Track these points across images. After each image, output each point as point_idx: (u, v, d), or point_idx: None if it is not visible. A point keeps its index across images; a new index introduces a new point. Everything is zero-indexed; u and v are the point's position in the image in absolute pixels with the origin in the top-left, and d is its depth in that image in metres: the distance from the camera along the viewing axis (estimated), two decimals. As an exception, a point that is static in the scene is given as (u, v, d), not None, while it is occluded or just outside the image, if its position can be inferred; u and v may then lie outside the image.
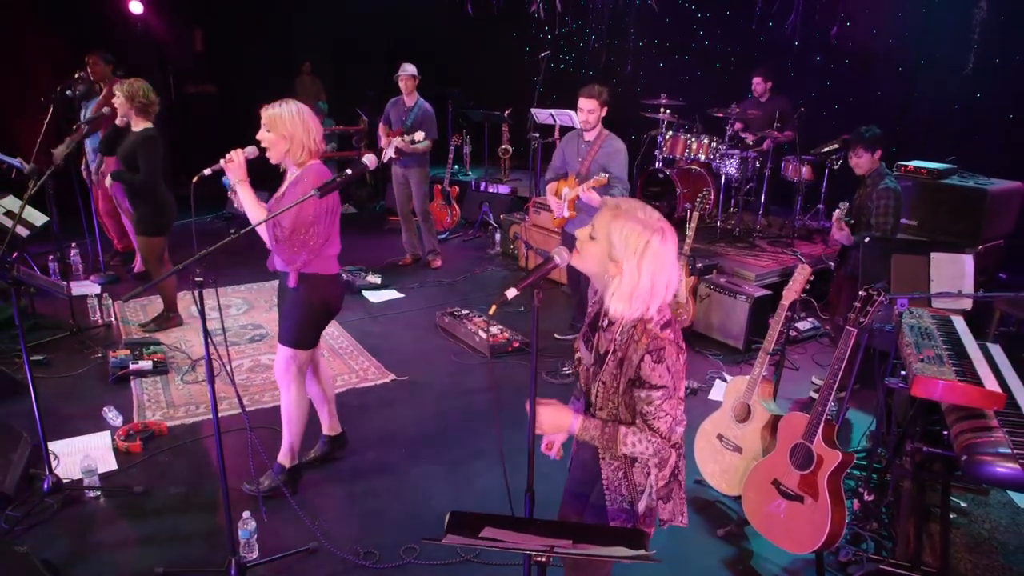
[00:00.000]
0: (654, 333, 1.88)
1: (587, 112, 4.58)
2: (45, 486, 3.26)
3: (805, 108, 6.89)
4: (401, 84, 6.25)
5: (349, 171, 2.45)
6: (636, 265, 1.83)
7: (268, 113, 2.99)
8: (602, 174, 4.46)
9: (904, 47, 6.89)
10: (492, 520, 1.93)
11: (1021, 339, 4.87)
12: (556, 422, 1.99)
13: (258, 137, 3.01)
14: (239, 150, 2.98)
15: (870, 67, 7.16)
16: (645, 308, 1.87)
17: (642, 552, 1.82)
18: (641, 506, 2.06)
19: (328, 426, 3.66)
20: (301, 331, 3.19)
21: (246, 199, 3.01)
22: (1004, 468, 2.37)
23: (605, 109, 4.62)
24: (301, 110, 3.01)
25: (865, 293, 2.80)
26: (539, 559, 1.74)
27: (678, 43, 8.80)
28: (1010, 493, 3.56)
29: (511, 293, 1.81)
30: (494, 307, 1.86)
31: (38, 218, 5.09)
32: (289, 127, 2.96)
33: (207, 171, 2.94)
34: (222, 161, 2.95)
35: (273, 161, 3.07)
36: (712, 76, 8.41)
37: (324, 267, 3.13)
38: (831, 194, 6.45)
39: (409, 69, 6.23)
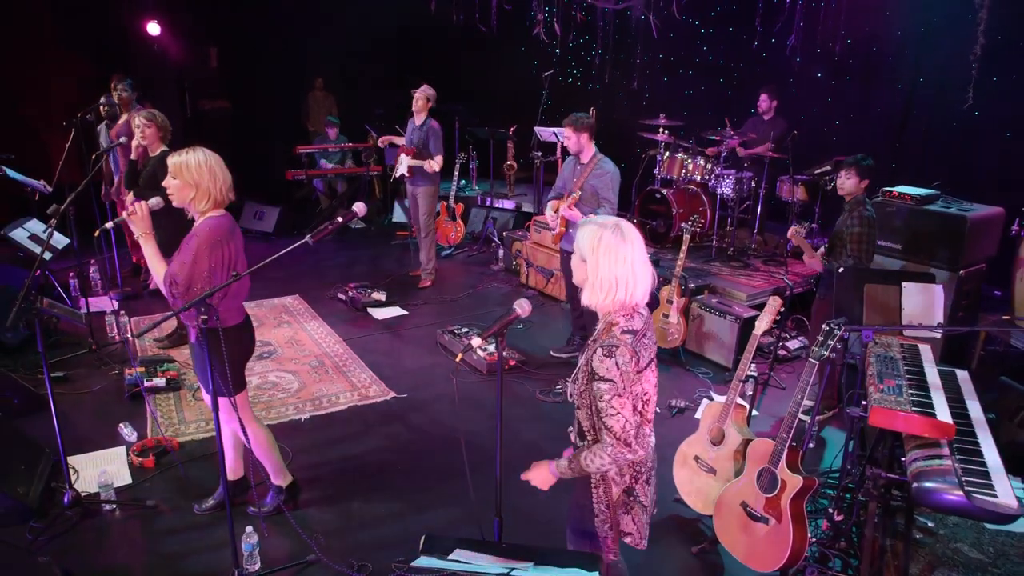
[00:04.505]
0: (613, 334, 2.13)
1: (565, 138, 4.97)
2: (65, 499, 3.51)
3: (807, 123, 7.03)
4: (413, 102, 6.47)
5: (339, 218, 2.66)
6: (596, 258, 2.13)
7: (174, 161, 3.00)
8: (576, 192, 4.82)
9: (903, 65, 7.03)
10: (463, 543, 2.14)
11: (1007, 358, 5.02)
12: (542, 476, 2.32)
13: (163, 183, 3.05)
14: (143, 202, 3.01)
15: (870, 84, 7.30)
16: (611, 299, 2.13)
17: (595, 573, 2.03)
18: (598, 497, 2.30)
19: (231, 470, 3.58)
20: (214, 381, 3.10)
21: (149, 254, 3.04)
22: (951, 496, 2.52)
23: (584, 135, 4.88)
24: (208, 158, 3.02)
25: (827, 327, 2.97)
26: (499, 581, 1.94)
27: (682, 58, 8.99)
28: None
29: (476, 342, 2.02)
30: (460, 356, 2.07)
31: (59, 240, 5.37)
32: (195, 175, 2.98)
33: (109, 224, 3.12)
34: (124, 214, 3.00)
35: (175, 205, 3.10)
36: (715, 91, 8.58)
37: (225, 319, 3.09)
38: (825, 214, 6.59)
39: (426, 91, 6.46)
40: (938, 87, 6.75)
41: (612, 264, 2.11)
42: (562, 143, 7.80)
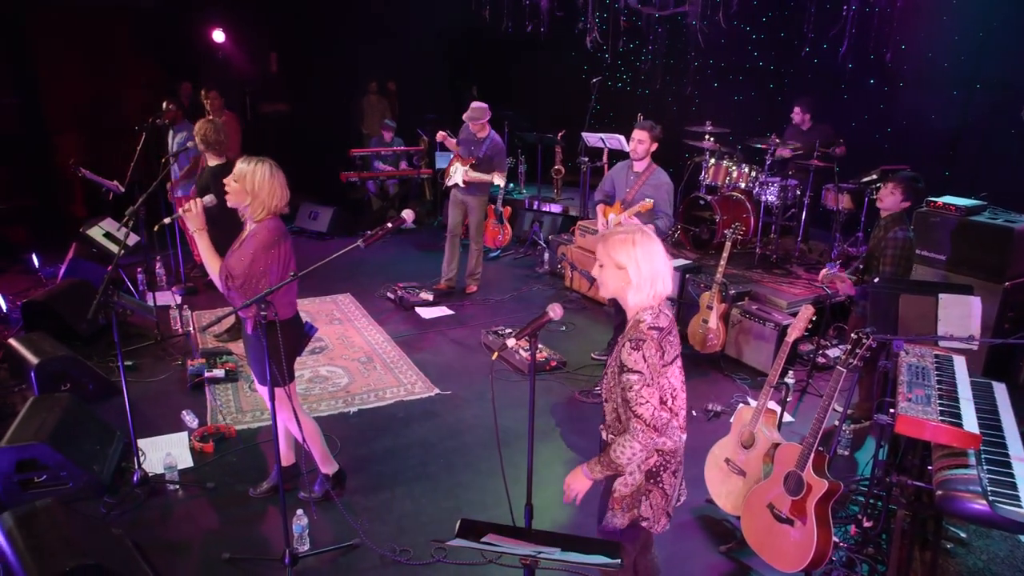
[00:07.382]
0: (640, 329, 2.32)
1: (637, 142, 4.95)
2: (135, 478, 3.81)
3: (857, 131, 6.94)
4: (472, 128, 6.50)
5: (390, 224, 2.85)
6: (636, 261, 2.33)
7: (240, 168, 3.18)
8: (647, 199, 4.79)
9: (960, 71, 6.91)
10: (495, 528, 2.31)
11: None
12: (578, 483, 2.49)
13: (224, 181, 3.25)
14: (197, 199, 3.21)
15: (924, 91, 7.20)
16: (653, 293, 2.35)
17: (617, 561, 2.16)
18: (622, 488, 2.43)
19: (283, 456, 3.74)
20: (270, 371, 3.16)
21: (203, 249, 3.23)
22: (975, 505, 2.55)
23: (655, 144, 4.96)
24: (273, 175, 3.19)
25: (856, 336, 3.04)
26: (526, 562, 2.10)
27: (733, 64, 8.97)
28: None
29: (511, 343, 2.18)
30: (496, 353, 2.23)
31: (131, 238, 5.74)
32: (257, 185, 3.16)
33: (167, 220, 3.40)
34: (180, 211, 3.22)
35: (229, 205, 3.28)
36: (765, 97, 8.55)
37: (280, 313, 3.21)
38: (870, 223, 6.53)
39: (474, 114, 6.35)
40: (996, 94, 6.62)
41: (650, 261, 2.33)
42: (609, 148, 7.95)
